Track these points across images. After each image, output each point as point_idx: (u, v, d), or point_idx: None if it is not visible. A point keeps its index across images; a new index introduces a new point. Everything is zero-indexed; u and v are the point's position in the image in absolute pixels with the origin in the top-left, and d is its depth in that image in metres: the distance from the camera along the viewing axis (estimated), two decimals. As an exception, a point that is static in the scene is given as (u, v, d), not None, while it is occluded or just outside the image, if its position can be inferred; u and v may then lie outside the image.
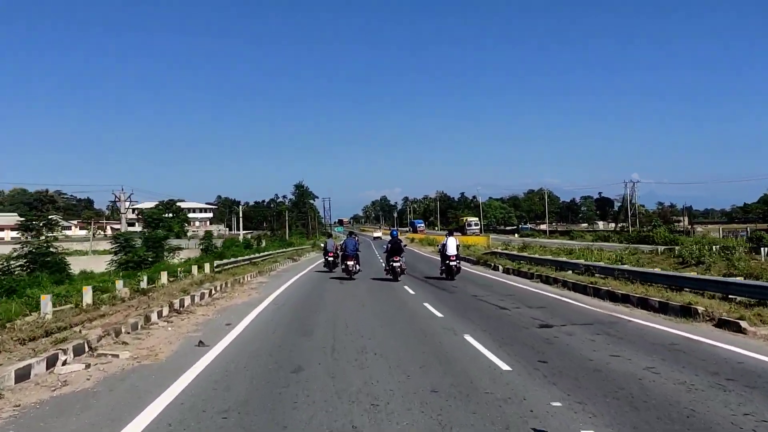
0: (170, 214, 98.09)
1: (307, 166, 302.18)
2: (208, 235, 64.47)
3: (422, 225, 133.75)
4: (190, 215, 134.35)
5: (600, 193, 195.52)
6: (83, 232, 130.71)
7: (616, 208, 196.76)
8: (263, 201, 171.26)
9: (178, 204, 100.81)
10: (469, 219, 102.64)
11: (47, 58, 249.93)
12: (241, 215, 71.34)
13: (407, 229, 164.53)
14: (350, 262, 22.91)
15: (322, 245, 32.25)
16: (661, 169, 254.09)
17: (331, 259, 27.31)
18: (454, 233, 31.30)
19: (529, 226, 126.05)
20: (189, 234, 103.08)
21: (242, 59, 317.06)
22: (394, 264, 21.99)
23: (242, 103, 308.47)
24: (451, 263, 22.06)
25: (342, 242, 24.32)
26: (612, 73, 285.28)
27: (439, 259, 23.86)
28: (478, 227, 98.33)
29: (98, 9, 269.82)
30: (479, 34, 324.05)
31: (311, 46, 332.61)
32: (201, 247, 56.77)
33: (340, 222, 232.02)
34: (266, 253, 32.21)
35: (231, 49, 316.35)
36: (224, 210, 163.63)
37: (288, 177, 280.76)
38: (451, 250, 22.19)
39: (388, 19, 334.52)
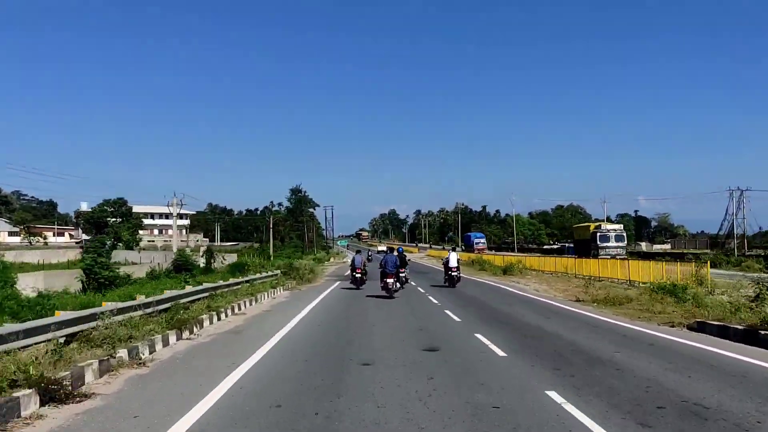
0: (117, 219, 72.31)
1: (310, 178, 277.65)
2: (97, 246, 37.24)
3: (483, 240, 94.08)
4: (161, 222, 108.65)
5: (636, 211, 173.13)
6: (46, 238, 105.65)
7: (652, 228, 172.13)
8: (256, 209, 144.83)
9: (130, 205, 74.64)
10: (607, 227, 46.24)
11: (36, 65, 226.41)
12: (175, 216, 44.01)
13: (439, 246, 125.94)
14: (390, 280, 20.03)
15: (348, 261, 32.28)
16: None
17: (358, 275, 24.45)
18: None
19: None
20: (144, 244, 77.29)
21: (245, 67, 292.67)
22: (401, 274, 22.63)
23: (241, 112, 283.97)
24: (453, 273, 25.06)
25: (382, 258, 21.30)
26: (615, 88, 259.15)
27: (443, 271, 26.89)
28: (624, 243, 45.04)
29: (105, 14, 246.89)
30: (485, 54, 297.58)
31: (317, 60, 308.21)
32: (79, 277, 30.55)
33: (358, 236, 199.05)
34: None
35: (233, 56, 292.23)
36: (210, 218, 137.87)
37: (289, 187, 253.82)
38: (453, 263, 25.20)
39: (394, 36, 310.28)
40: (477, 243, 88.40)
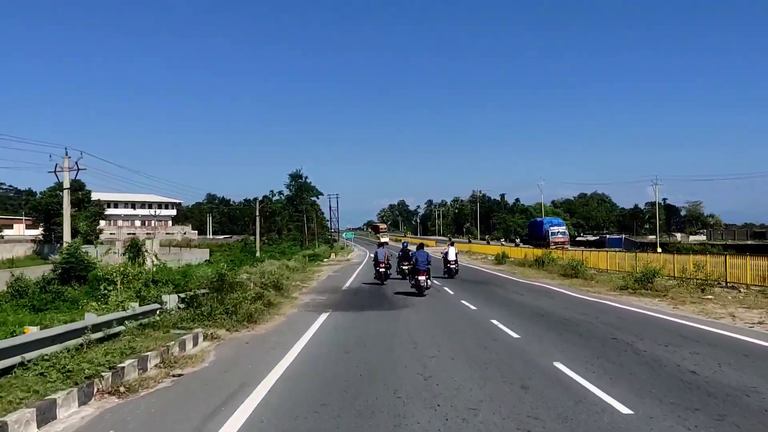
0: (74, 207, 58.05)
1: (315, 170, 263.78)
2: None
3: (563, 230, 62.17)
4: (144, 212, 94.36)
5: (665, 199, 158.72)
6: (12, 231, 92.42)
7: (682, 217, 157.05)
8: (255, 199, 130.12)
9: (88, 190, 60.47)
10: None
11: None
12: (66, 187, 28.54)
13: (484, 240, 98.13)
14: (421, 277, 18.66)
15: (372, 255, 28.52)
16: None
17: (382, 270, 23.06)
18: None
19: (623, 236, 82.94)
20: (105, 237, 63.44)
21: (254, 62, 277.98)
22: (404, 267, 22.90)
23: (244, 104, 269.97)
24: (451, 266, 25.57)
25: (412, 255, 20.19)
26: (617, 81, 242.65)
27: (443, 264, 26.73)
28: None
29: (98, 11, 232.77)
30: (492, 44, 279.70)
31: (325, 51, 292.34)
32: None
33: (376, 229, 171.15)
34: None
35: (243, 52, 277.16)
36: (205, 209, 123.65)
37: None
38: (451, 256, 25.82)
39: (395, 24, 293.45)
40: (554, 233, 58.81)
